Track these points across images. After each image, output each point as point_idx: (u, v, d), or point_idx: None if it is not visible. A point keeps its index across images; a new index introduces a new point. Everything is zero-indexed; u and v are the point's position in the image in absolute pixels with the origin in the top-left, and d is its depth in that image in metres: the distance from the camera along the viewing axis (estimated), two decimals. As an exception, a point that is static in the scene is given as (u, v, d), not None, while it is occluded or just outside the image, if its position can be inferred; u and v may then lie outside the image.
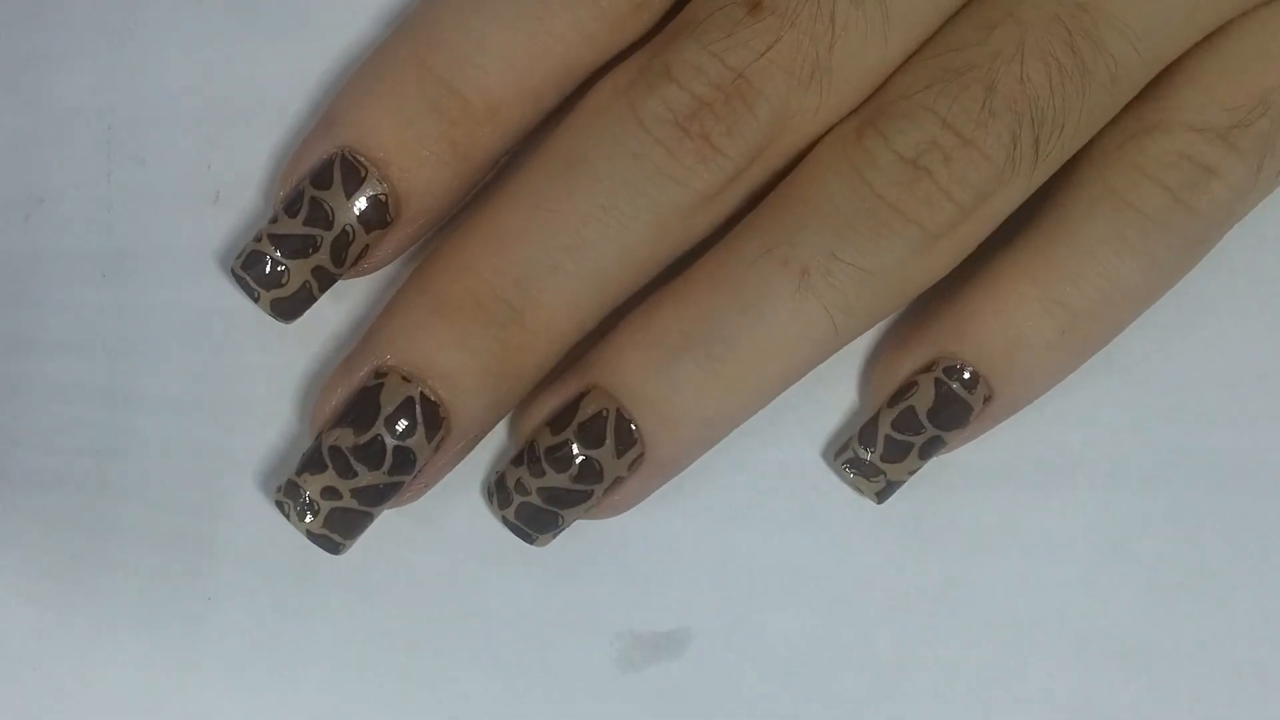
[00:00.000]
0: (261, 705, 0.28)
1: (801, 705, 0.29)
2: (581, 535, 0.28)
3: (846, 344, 0.27)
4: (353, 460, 0.25)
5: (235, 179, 0.28)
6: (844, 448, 0.27)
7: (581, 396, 0.26)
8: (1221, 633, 0.29)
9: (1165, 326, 0.29)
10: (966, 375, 0.26)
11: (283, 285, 0.26)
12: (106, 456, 0.28)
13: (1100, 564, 0.29)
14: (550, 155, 0.26)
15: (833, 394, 0.29)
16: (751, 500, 0.29)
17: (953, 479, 0.29)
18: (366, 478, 0.25)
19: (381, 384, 0.25)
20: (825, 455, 0.29)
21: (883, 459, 0.27)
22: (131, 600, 0.28)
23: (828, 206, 0.25)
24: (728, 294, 0.26)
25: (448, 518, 0.28)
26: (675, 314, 0.26)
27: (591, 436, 0.26)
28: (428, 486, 0.27)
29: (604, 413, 0.26)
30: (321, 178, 0.26)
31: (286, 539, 0.27)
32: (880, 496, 0.27)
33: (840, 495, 0.29)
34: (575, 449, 0.26)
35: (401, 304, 0.26)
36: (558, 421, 0.26)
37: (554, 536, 0.27)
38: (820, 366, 0.28)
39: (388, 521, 0.27)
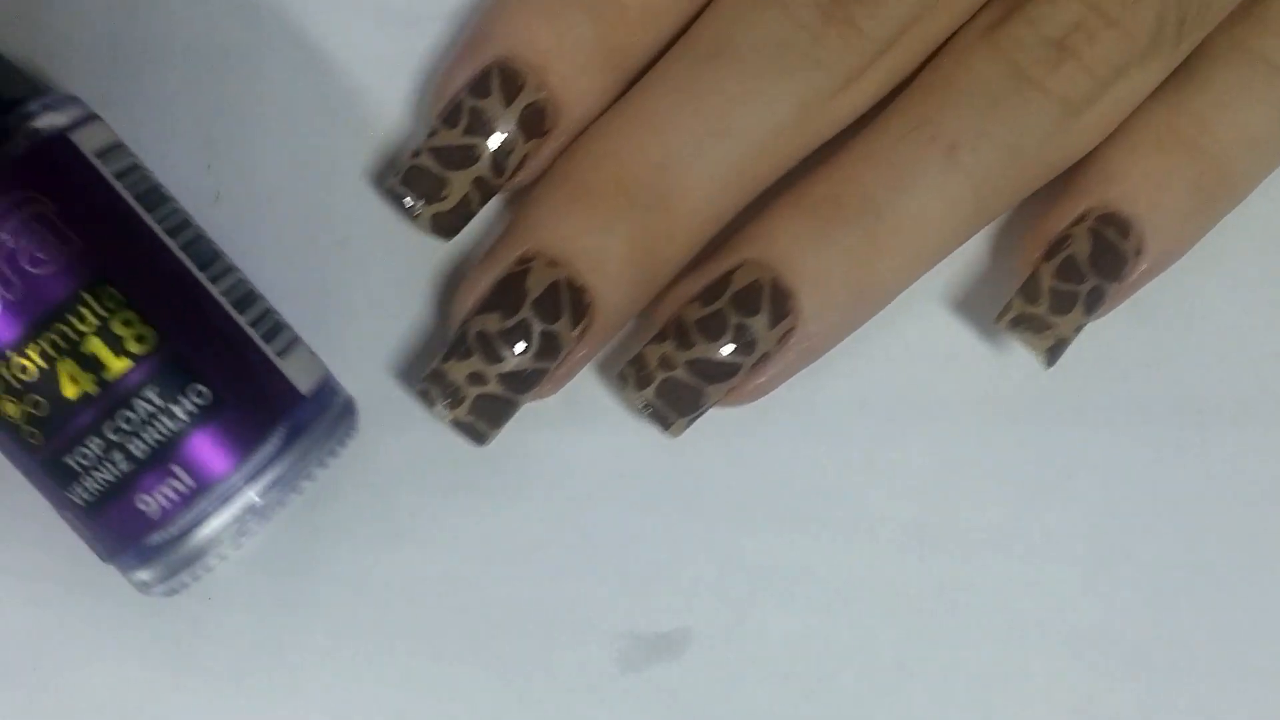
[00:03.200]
0: (261, 705, 0.28)
1: (801, 705, 0.29)
2: (582, 535, 0.28)
3: (987, 224, 0.27)
4: (499, 345, 0.26)
5: (235, 179, 0.28)
6: (1006, 308, 0.26)
7: (732, 272, 0.26)
8: (1221, 633, 0.29)
9: (1165, 326, 0.29)
10: (1118, 222, 0.26)
11: (443, 199, 0.26)
12: (106, 456, 0.28)
13: (1100, 564, 0.29)
14: (695, 42, 0.26)
15: (832, 395, 0.29)
16: (751, 500, 0.29)
17: (953, 479, 0.29)
18: (512, 363, 0.26)
19: (527, 269, 0.26)
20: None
21: (1050, 311, 0.26)
22: (131, 600, 0.28)
23: (974, 86, 0.26)
24: (878, 169, 0.26)
25: (447, 517, 0.28)
26: (827, 189, 0.26)
27: (748, 305, 0.26)
28: (567, 377, 0.27)
29: (759, 282, 0.26)
30: (480, 87, 0.26)
31: (287, 539, 0.27)
32: (1050, 355, 0.26)
33: (840, 495, 0.29)
34: (731, 317, 0.26)
35: (545, 192, 0.26)
36: (708, 294, 0.26)
37: (689, 424, 0.26)
38: (818, 369, 0.28)
39: (387, 521, 0.27)
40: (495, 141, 0.26)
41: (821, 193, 0.26)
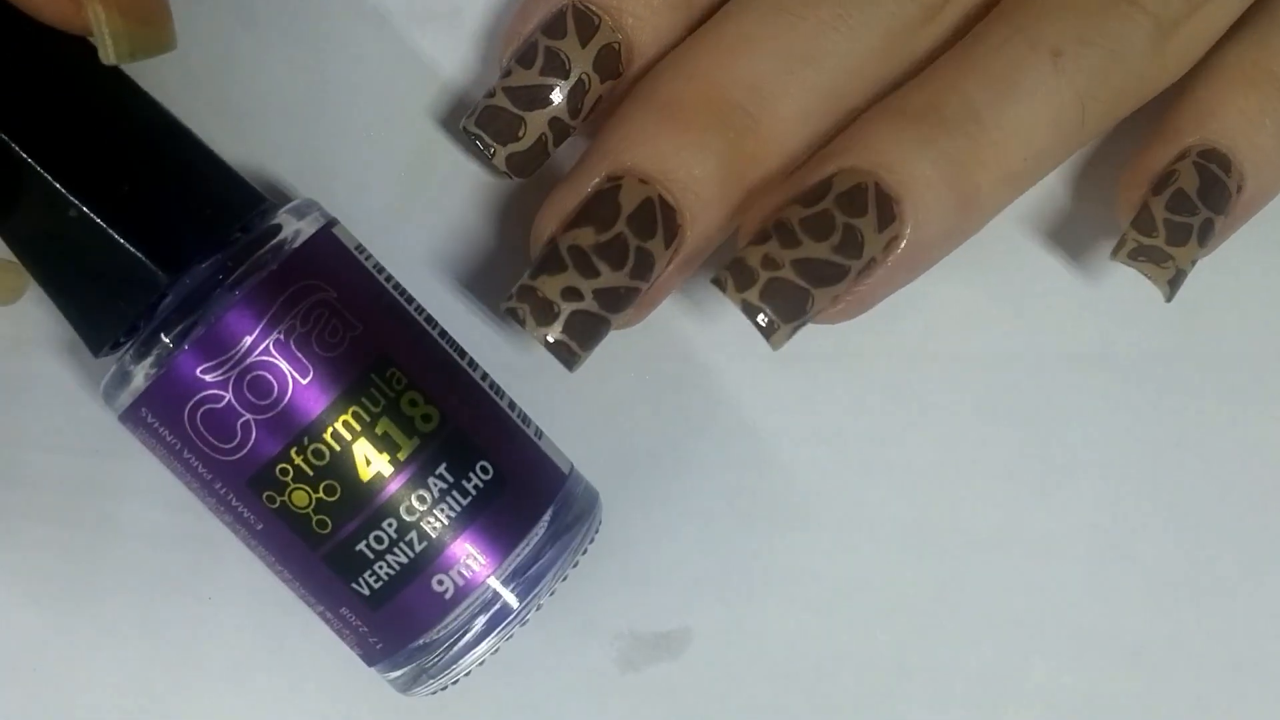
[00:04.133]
0: (261, 705, 0.28)
1: (801, 705, 0.29)
2: (581, 535, 0.28)
3: (1088, 141, 0.26)
4: (595, 259, 0.25)
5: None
6: (1122, 242, 0.26)
7: (832, 177, 0.25)
8: (1222, 633, 0.29)
9: (1166, 326, 0.29)
10: (1219, 158, 0.26)
11: (519, 139, 0.26)
12: (106, 456, 0.28)
13: (1100, 564, 0.29)
14: None
15: (832, 394, 0.29)
16: (751, 500, 0.29)
17: (952, 479, 0.29)
18: (608, 278, 0.25)
19: (619, 186, 0.25)
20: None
21: (1167, 242, 0.26)
22: (131, 600, 0.28)
23: (1068, 1, 0.26)
24: (980, 76, 0.25)
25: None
26: (927, 97, 0.26)
27: (853, 206, 0.25)
28: (652, 305, 0.27)
29: (863, 185, 0.25)
30: (555, 28, 0.26)
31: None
32: (1171, 287, 0.26)
33: (840, 495, 0.29)
34: (838, 217, 0.25)
35: (633, 110, 0.26)
36: (809, 197, 0.25)
37: (792, 333, 0.25)
38: (814, 373, 0.28)
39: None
40: (571, 82, 0.26)
41: (922, 100, 0.26)
